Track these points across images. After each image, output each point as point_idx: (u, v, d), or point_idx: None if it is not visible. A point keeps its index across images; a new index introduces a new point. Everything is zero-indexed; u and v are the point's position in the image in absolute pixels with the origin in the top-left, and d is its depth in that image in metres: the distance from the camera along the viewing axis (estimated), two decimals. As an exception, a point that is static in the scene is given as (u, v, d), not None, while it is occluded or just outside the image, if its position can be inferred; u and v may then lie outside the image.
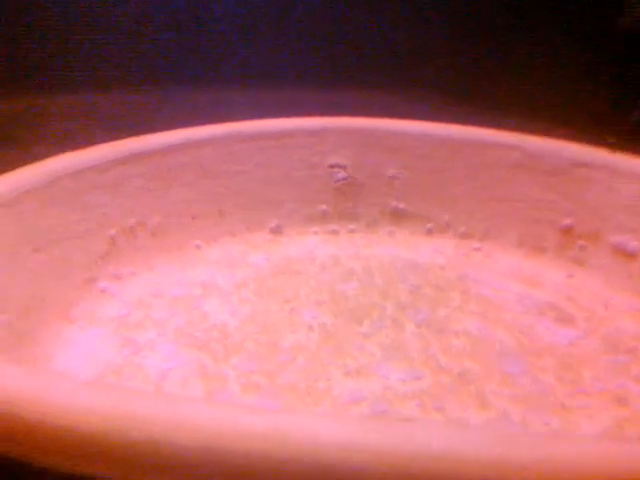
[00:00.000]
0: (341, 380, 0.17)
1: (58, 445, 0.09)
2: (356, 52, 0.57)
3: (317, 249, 0.27)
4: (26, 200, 0.20)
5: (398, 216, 0.29)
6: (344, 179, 0.29)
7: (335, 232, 0.29)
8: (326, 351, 0.18)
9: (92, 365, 0.17)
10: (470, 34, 0.53)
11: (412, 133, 0.29)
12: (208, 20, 0.62)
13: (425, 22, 0.54)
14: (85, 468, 0.09)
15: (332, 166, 0.30)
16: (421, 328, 0.19)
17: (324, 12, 0.59)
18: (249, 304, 0.21)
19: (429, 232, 0.28)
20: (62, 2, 0.62)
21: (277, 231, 0.28)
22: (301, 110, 0.30)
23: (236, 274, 0.24)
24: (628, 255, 0.23)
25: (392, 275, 0.24)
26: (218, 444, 0.08)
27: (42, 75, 0.62)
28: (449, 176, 0.28)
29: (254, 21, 0.60)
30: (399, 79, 0.53)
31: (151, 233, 0.25)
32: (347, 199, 0.29)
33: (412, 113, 0.30)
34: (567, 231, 0.25)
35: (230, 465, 0.08)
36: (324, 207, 0.29)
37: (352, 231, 0.29)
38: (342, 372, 0.17)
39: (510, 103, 0.45)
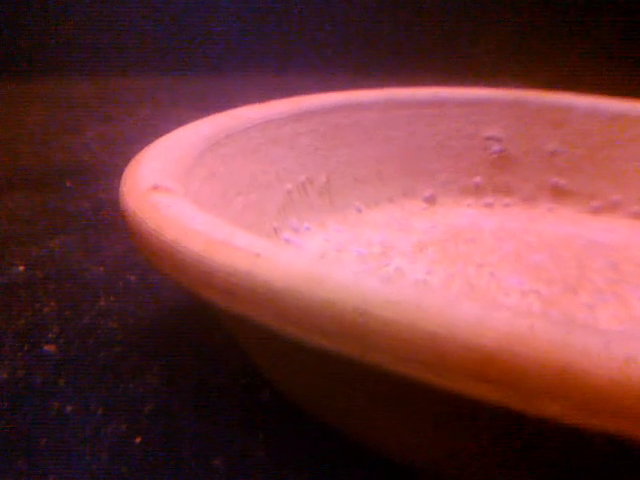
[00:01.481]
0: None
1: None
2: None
3: (479, 220, 0.26)
4: (226, 146, 0.20)
5: (558, 192, 0.28)
6: (500, 152, 0.28)
7: (490, 205, 0.28)
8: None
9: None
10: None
11: (577, 107, 0.28)
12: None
13: None
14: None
15: (488, 138, 0.29)
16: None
17: None
18: (441, 265, 0.20)
19: (596, 211, 0.27)
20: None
21: (431, 200, 0.27)
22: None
23: (410, 237, 0.23)
24: None
25: (577, 250, 0.22)
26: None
27: (121, 59, 0.66)
28: (619, 153, 0.27)
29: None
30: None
31: (319, 191, 0.25)
32: (502, 172, 0.28)
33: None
34: None
35: None
36: (478, 179, 0.28)
37: (508, 205, 0.28)
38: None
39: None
